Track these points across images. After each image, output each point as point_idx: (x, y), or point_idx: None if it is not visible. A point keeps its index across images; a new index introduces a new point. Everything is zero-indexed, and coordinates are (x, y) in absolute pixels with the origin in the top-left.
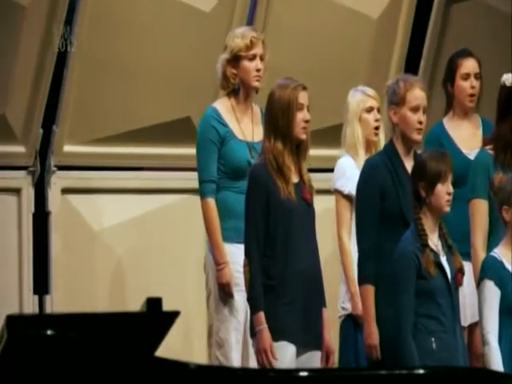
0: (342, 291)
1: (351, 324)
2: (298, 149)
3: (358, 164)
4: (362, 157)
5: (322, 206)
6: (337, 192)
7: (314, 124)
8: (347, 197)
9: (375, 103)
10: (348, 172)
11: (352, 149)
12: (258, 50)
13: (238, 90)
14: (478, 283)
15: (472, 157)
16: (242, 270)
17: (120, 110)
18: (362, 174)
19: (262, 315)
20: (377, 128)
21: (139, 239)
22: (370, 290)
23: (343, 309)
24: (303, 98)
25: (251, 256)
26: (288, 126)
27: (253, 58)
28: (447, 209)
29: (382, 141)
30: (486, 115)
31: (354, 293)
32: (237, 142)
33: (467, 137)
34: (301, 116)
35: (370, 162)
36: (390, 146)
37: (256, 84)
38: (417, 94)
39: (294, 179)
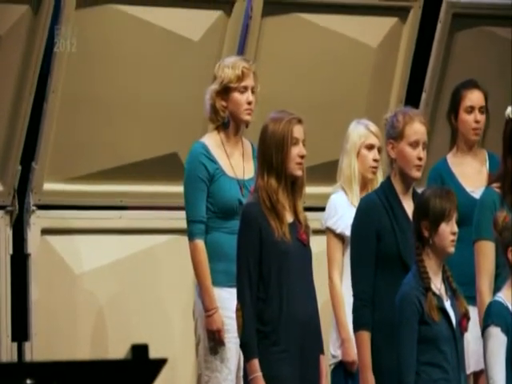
0: (333, 337)
1: (342, 372)
2: (293, 186)
3: (351, 200)
4: (356, 193)
5: (319, 246)
6: (328, 231)
7: (309, 160)
8: (339, 236)
9: (377, 142)
10: (340, 210)
11: (347, 183)
12: (249, 82)
13: (228, 123)
14: (483, 330)
15: (476, 195)
16: (233, 316)
17: (103, 145)
18: (357, 213)
19: (256, 362)
20: (374, 167)
21: (123, 283)
22: (366, 336)
23: (334, 357)
24: (298, 131)
25: (244, 300)
26: (282, 161)
27: (244, 90)
28: (452, 249)
29: (379, 180)
30: (491, 149)
31: (344, 338)
32: (227, 179)
33: (471, 174)
34: (296, 151)
35: (365, 200)
36: (387, 183)
37: (247, 118)
38: (416, 129)
39: (289, 218)
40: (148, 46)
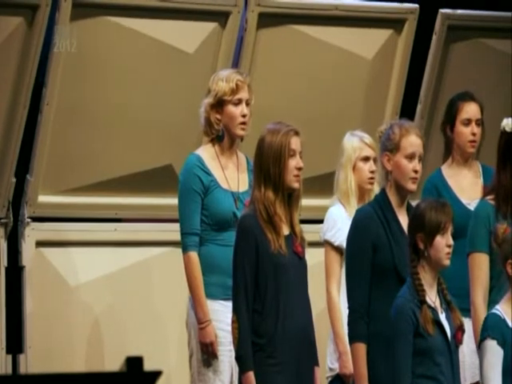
0: (331, 350)
1: None
2: (289, 198)
3: (350, 213)
4: (354, 206)
5: (315, 259)
6: (326, 243)
7: (305, 172)
8: (337, 248)
9: (372, 153)
10: (339, 222)
11: (344, 196)
12: (243, 95)
13: (223, 136)
14: (480, 343)
15: (472, 207)
16: (226, 328)
17: (97, 157)
18: (352, 225)
19: (251, 375)
20: (371, 178)
21: (118, 295)
22: (362, 348)
23: (331, 369)
24: (295, 143)
25: (240, 312)
26: (280, 173)
27: (238, 102)
28: (447, 262)
29: (376, 191)
30: (485, 162)
31: (342, 351)
32: (221, 191)
33: (467, 186)
34: (293, 163)
35: (361, 212)
36: (382, 195)
37: (241, 133)
38: (412, 141)
39: (285, 231)
40: (143, 58)
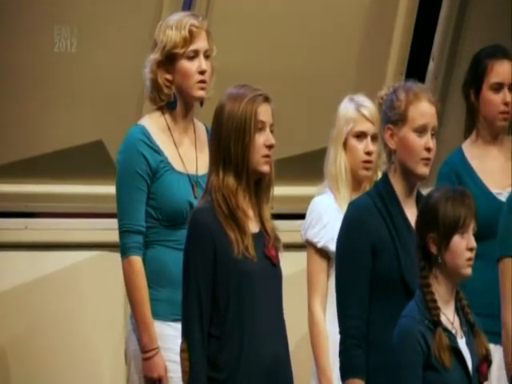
0: None
1: None
2: (257, 186)
3: (340, 205)
4: (345, 196)
5: (295, 266)
6: (309, 244)
7: (280, 150)
8: (322, 251)
9: (370, 128)
10: (325, 216)
11: (333, 183)
12: (200, 44)
13: (175, 102)
14: None
15: (503, 198)
16: (178, 360)
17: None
18: (344, 223)
19: None
20: (368, 162)
21: (31, 315)
22: None
23: None
24: (265, 113)
25: (191, 338)
26: (243, 153)
27: (194, 55)
28: (468, 271)
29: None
30: None
31: None
32: (175, 175)
33: (497, 170)
34: (262, 139)
35: (355, 204)
36: (384, 182)
37: (199, 94)
38: (423, 110)
39: (253, 229)
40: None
